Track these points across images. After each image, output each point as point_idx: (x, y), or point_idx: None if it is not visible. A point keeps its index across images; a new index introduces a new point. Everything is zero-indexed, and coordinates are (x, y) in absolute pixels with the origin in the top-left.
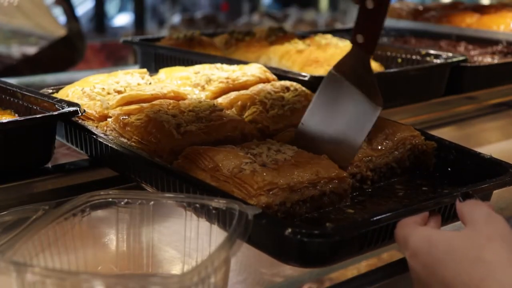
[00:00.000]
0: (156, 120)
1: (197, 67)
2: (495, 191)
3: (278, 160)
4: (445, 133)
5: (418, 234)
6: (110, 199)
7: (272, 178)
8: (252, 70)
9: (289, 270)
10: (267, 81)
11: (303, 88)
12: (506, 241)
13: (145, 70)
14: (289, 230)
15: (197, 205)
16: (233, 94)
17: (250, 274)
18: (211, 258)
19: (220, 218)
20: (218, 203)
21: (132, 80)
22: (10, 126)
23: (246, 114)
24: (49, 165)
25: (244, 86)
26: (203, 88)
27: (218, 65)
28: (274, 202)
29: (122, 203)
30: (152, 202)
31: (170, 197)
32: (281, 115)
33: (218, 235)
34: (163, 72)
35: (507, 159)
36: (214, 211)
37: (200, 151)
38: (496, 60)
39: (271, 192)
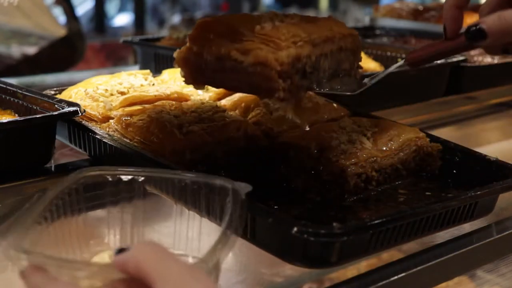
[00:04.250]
0: (158, 120)
1: None
2: None
3: (294, 18)
4: (445, 133)
5: None
6: (103, 175)
7: (296, 31)
8: None
9: (289, 270)
10: None
11: None
12: None
13: (148, 71)
14: (295, 229)
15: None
16: (236, 96)
17: (250, 274)
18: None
19: (215, 196)
20: (212, 180)
21: (135, 81)
22: (10, 126)
23: (250, 116)
24: (49, 165)
25: None
26: (206, 89)
27: None
28: (302, 54)
29: (114, 179)
30: (142, 178)
31: (163, 172)
32: (285, 117)
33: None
34: (167, 73)
35: (507, 159)
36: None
37: (213, 19)
38: (496, 60)
39: (298, 44)
